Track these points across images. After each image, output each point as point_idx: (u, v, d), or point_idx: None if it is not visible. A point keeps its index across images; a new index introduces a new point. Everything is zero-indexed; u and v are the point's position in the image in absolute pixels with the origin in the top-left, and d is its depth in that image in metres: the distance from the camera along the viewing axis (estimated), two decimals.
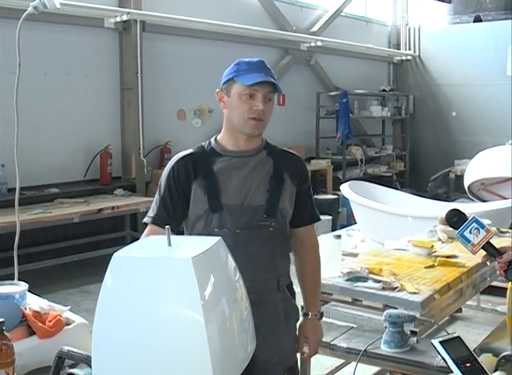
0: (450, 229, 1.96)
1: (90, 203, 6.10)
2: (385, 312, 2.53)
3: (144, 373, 1.23)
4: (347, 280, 3.03)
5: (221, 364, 1.22)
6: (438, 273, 3.23)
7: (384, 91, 10.83)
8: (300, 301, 2.24)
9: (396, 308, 2.72)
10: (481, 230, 1.74)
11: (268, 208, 2.05)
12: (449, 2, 10.84)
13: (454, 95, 10.80)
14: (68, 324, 2.30)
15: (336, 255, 3.27)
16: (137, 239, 1.72)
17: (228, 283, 1.35)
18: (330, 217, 7.88)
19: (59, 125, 6.46)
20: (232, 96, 2.04)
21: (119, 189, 6.65)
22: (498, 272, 1.79)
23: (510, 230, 4.33)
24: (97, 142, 6.72)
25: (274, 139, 2.30)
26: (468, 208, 5.09)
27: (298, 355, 2.26)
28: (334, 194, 8.68)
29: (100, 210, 5.99)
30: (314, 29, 9.50)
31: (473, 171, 7.29)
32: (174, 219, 2.04)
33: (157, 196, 2.11)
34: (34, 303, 2.36)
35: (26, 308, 2.28)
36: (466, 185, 7.31)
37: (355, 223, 7.14)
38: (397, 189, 9.07)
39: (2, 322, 1.58)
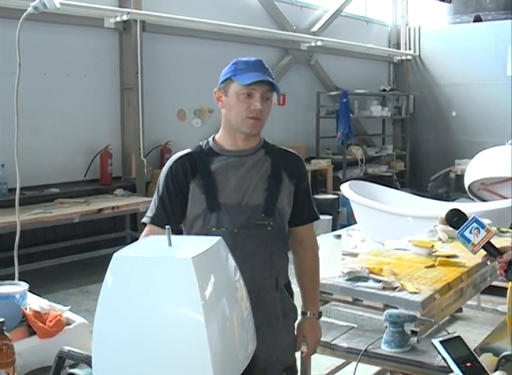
0: (451, 229, 1.96)
1: (91, 203, 6.10)
2: (385, 312, 2.53)
3: (145, 373, 1.23)
4: (348, 279, 3.03)
5: (221, 364, 1.22)
6: (438, 272, 3.23)
7: (384, 90, 10.83)
8: (298, 301, 2.23)
9: (397, 308, 2.72)
10: (481, 229, 1.74)
11: (266, 208, 2.05)
12: (450, 2, 10.84)
13: (454, 95, 10.80)
14: (68, 324, 2.30)
15: (336, 254, 3.27)
16: (137, 239, 1.72)
17: (228, 283, 1.35)
18: (330, 217, 7.87)
19: (59, 125, 6.46)
20: (230, 95, 2.04)
21: (119, 189, 6.65)
22: (498, 272, 1.79)
23: (510, 230, 4.33)
24: (97, 142, 6.72)
25: (274, 139, 2.30)
26: (468, 207, 5.08)
27: (297, 355, 2.26)
28: (334, 193, 8.68)
29: (100, 210, 5.99)
30: (315, 29, 9.50)
31: (473, 171, 7.29)
32: (173, 219, 2.03)
33: (155, 196, 2.12)
34: (35, 303, 2.36)
35: (26, 309, 2.28)
36: (466, 185, 7.31)
37: (355, 222, 7.14)
38: (397, 189, 9.06)
39: (3, 322, 1.58)
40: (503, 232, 4.17)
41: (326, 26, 9.63)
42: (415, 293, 2.85)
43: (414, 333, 2.63)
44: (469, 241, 1.75)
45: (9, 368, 1.58)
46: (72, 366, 1.77)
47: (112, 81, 6.97)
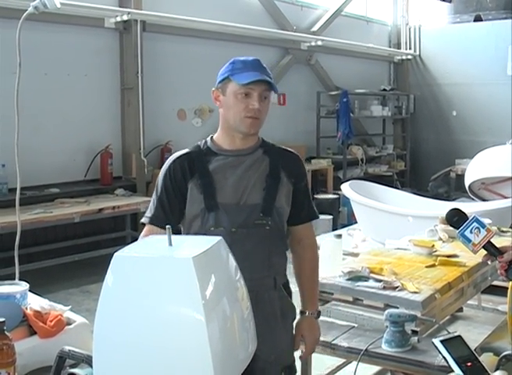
0: (451, 228, 1.96)
1: (91, 203, 6.10)
2: (386, 312, 2.53)
3: (145, 373, 1.23)
4: (348, 279, 3.03)
5: (222, 364, 1.22)
6: (439, 272, 3.23)
7: (384, 90, 10.83)
8: (297, 300, 2.23)
9: (397, 308, 2.72)
10: (481, 229, 1.74)
11: (264, 207, 2.05)
12: (450, 2, 10.84)
13: (455, 95, 10.80)
14: (69, 324, 2.30)
15: (336, 254, 3.27)
16: (138, 239, 1.73)
17: (229, 283, 1.35)
18: (331, 217, 7.87)
19: (60, 125, 6.46)
20: (227, 95, 2.04)
21: (119, 189, 6.65)
22: (499, 271, 1.79)
23: (510, 230, 4.33)
24: (97, 142, 6.72)
25: (274, 139, 2.30)
26: (469, 207, 5.08)
27: (296, 354, 2.25)
28: (335, 193, 8.68)
29: (100, 210, 5.99)
30: (315, 28, 9.50)
31: (473, 170, 7.29)
32: (171, 219, 2.03)
33: (154, 196, 2.12)
34: (35, 303, 2.36)
35: (27, 308, 2.28)
36: (466, 184, 7.31)
37: (356, 222, 7.14)
38: (398, 188, 9.06)
39: (3, 322, 1.58)
40: (503, 232, 4.17)
41: (326, 26, 9.62)
42: (416, 292, 2.85)
43: (414, 332, 2.63)
44: (469, 240, 1.75)
45: (10, 368, 1.59)
46: (73, 366, 1.77)
47: (112, 81, 6.97)
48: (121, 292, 1.25)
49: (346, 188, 6.95)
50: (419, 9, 11.40)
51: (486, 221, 1.81)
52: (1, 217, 5.14)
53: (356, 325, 2.84)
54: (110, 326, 1.25)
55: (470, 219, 1.76)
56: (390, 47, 11.43)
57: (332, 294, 3.02)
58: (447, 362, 1.58)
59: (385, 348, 2.50)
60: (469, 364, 1.56)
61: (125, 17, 6.67)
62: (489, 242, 1.76)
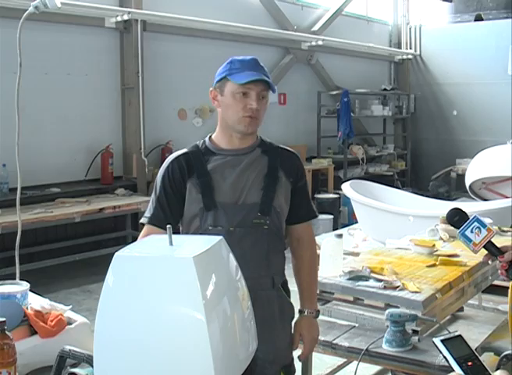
0: (452, 228, 1.96)
1: (92, 203, 6.10)
2: (386, 311, 2.53)
3: (146, 373, 1.23)
4: (349, 279, 3.03)
5: (222, 364, 1.22)
6: (439, 272, 3.23)
7: (385, 90, 10.82)
8: (296, 299, 2.22)
9: (398, 308, 2.71)
10: (482, 229, 1.74)
11: (262, 207, 2.05)
12: (451, 1, 10.84)
13: (455, 94, 10.80)
14: (69, 324, 2.30)
15: (337, 254, 3.27)
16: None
17: (229, 283, 1.35)
18: (331, 216, 7.87)
19: (60, 124, 6.47)
20: (225, 95, 2.04)
21: (120, 188, 6.65)
22: (499, 271, 1.78)
23: (511, 229, 4.33)
24: (98, 142, 6.72)
25: (275, 138, 2.30)
26: (469, 207, 5.08)
27: (295, 354, 2.25)
28: (335, 193, 8.68)
29: (101, 210, 5.99)
30: (315, 28, 9.50)
31: (474, 170, 7.29)
32: (171, 219, 2.03)
33: (153, 196, 2.12)
34: (36, 303, 2.36)
35: (27, 308, 2.28)
36: (467, 184, 7.31)
37: (356, 222, 7.13)
38: (398, 188, 9.05)
39: (4, 321, 1.58)
40: (504, 231, 4.17)
41: (327, 26, 9.62)
42: (416, 292, 2.85)
43: (415, 332, 2.63)
44: (470, 240, 1.74)
45: (11, 367, 1.59)
46: (74, 366, 1.77)
47: (112, 81, 6.97)
48: (121, 292, 1.25)
49: (346, 188, 6.94)
50: (420, 9, 11.40)
51: (487, 221, 1.81)
52: (2, 217, 5.14)
53: (356, 325, 2.84)
54: (111, 325, 1.25)
55: (470, 218, 1.76)
56: (391, 46, 11.43)
57: (333, 293, 3.02)
58: (448, 362, 1.58)
59: (385, 348, 2.51)
60: (470, 364, 1.56)
61: (125, 17, 6.67)
62: (490, 242, 1.75)
